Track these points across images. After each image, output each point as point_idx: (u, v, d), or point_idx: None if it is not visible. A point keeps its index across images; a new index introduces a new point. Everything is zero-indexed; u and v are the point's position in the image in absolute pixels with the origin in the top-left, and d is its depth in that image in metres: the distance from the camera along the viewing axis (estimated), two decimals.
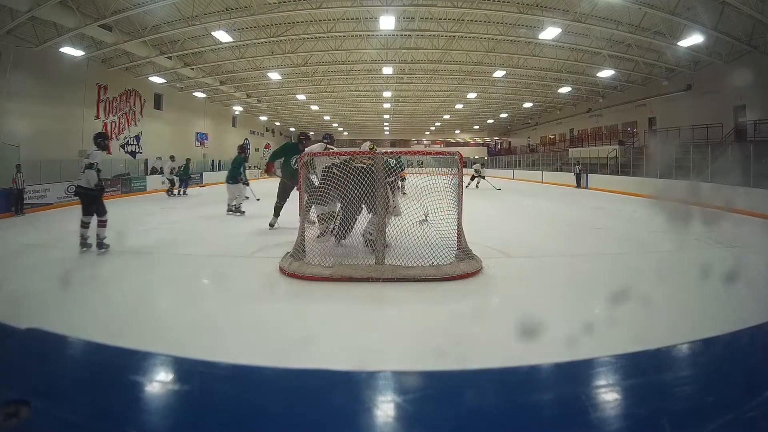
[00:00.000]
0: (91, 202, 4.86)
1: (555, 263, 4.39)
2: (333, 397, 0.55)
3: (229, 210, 7.93)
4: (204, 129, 24.31)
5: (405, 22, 13.74)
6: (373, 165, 4.03)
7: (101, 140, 5.10)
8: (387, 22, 12.70)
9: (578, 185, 17.02)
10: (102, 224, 4.89)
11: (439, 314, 3.00)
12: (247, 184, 8.50)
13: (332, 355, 2.23)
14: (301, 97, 23.58)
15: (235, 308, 3.09)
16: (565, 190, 15.65)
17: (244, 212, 7.85)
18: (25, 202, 9.39)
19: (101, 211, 4.89)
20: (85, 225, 4.86)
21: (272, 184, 6.73)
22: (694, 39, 12.05)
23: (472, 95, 22.93)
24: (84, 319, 2.73)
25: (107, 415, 0.51)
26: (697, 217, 7.07)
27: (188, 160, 14.39)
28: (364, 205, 4.38)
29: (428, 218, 4.45)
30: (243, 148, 8.92)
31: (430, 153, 5.41)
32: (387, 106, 27.26)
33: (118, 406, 0.52)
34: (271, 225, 6.13)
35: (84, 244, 4.86)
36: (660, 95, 17.47)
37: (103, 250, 4.83)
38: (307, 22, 13.88)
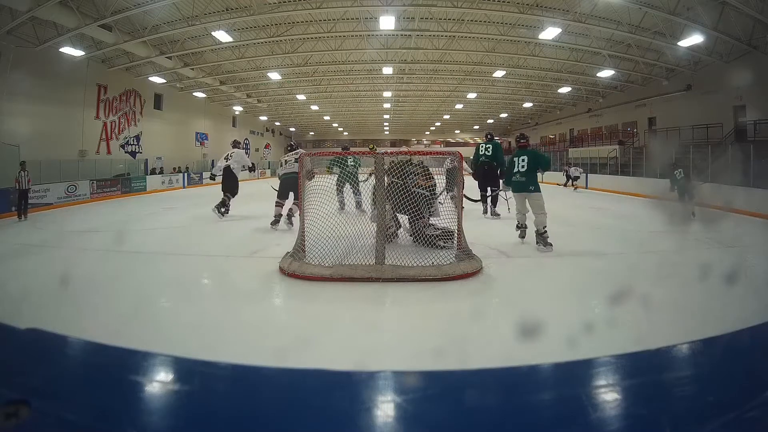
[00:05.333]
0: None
1: (555, 263, 4.39)
2: (333, 397, 0.55)
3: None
4: (204, 129, 24.31)
5: (405, 22, 13.74)
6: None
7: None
8: (387, 22, 12.70)
9: (565, 184, 16.93)
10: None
11: (439, 314, 3.00)
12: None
13: (332, 355, 2.23)
14: (301, 97, 23.58)
15: (235, 308, 3.09)
16: (565, 190, 15.65)
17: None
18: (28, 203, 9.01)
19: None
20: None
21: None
22: (694, 39, 12.05)
23: (472, 95, 22.93)
24: (84, 319, 2.73)
25: (107, 415, 0.51)
26: (697, 218, 7.07)
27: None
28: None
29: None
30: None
31: (430, 153, 5.44)
32: (387, 106, 27.27)
33: (118, 406, 0.52)
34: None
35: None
36: (660, 95, 17.47)
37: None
38: (307, 22, 13.88)
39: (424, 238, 4.23)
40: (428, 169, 4.81)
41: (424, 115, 31.74)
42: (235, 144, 7.92)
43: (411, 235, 4.55)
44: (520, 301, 3.27)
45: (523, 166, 4.81)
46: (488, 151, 7.15)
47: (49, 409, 0.49)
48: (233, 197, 7.31)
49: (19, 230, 6.99)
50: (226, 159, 7.40)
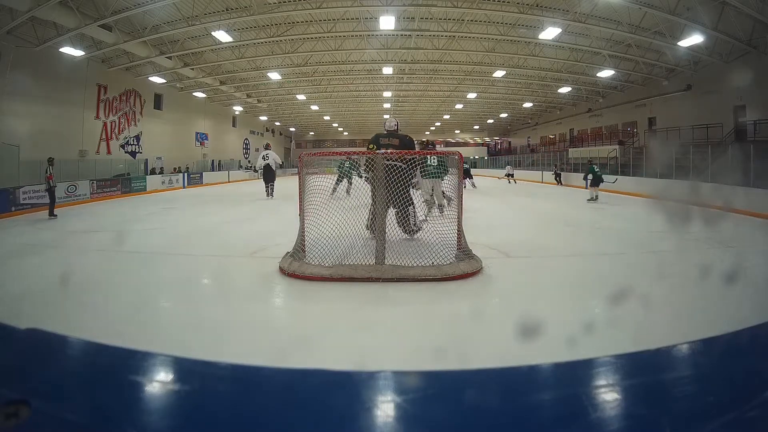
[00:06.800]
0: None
1: (555, 263, 4.39)
2: (332, 397, 0.55)
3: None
4: (204, 129, 24.32)
5: (405, 22, 13.74)
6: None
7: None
8: (387, 22, 12.70)
9: (559, 183, 17.49)
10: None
11: (439, 314, 3.00)
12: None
13: (332, 355, 2.23)
14: (301, 97, 23.59)
15: (235, 308, 3.09)
16: (566, 190, 15.66)
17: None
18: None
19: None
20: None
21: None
22: (694, 39, 12.06)
23: (472, 95, 22.94)
24: (84, 319, 2.73)
25: (107, 415, 0.51)
26: (697, 218, 7.06)
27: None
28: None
29: (428, 218, 4.48)
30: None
31: (430, 153, 5.46)
32: (387, 106, 27.28)
33: (118, 406, 0.52)
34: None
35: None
36: (660, 95, 17.47)
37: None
38: (307, 22, 13.89)
39: (403, 222, 4.48)
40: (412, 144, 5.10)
41: (424, 115, 31.74)
42: (267, 146, 11.41)
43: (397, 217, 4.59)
44: (519, 301, 3.27)
45: (434, 164, 6.14)
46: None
47: (49, 409, 0.49)
48: (273, 183, 10.77)
49: (20, 230, 6.99)
50: (264, 158, 10.70)
